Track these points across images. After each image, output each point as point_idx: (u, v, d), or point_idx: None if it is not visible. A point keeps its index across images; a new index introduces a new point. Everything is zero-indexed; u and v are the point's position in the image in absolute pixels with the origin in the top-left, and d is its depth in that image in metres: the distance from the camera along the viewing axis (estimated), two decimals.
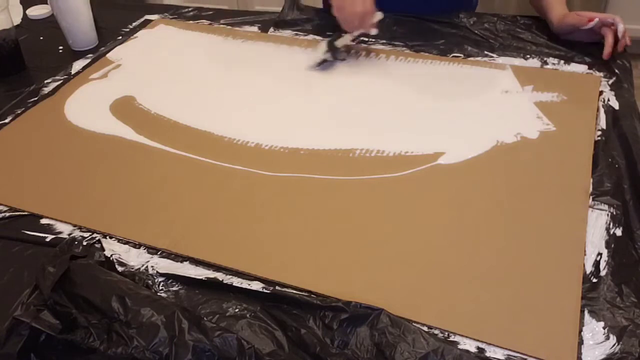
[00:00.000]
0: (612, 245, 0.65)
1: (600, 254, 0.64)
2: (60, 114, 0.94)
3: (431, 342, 0.54)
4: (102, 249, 0.68)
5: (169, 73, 1.04)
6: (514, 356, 0.55)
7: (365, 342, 0.55)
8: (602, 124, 0.84)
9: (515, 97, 0.90)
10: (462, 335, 0.57)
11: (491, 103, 0.89)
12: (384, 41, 1.08)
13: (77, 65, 1.09)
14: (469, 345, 0.56)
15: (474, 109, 0.88)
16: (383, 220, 0.70)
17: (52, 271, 0.57)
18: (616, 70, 0.94)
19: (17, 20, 1.24)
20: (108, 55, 1.11)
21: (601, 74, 0.94)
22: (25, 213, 0.75)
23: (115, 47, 1.14)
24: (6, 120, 0.94)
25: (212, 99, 0.96)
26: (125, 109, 0.95)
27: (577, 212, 0.69)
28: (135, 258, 0.68)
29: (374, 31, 0.98)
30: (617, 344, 0.55)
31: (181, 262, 0.67)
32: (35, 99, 0.99)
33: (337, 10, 0.97)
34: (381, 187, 0.75)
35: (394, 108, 0.90)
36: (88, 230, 0.72)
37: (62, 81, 1.04)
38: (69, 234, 0.71)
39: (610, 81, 0.93)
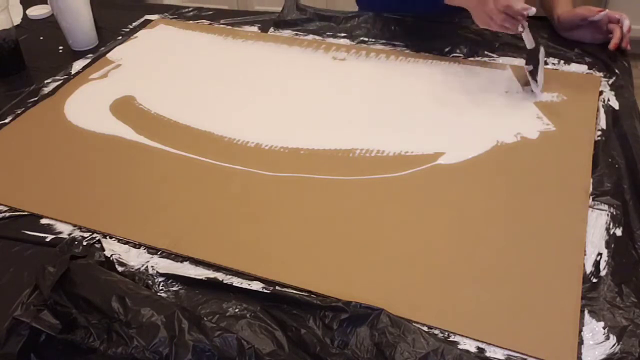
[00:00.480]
0: (612, 245, 0.65)
1: (600, 254, 0.64)
2: (60, 114, 0.94)
3: (431, 342, 0.54)
4: (102, 249, 0.68)
5: (169, 73, 1.04)
6: (514, 356, 0.55)
7: (365, 342, 0.55)
8: (602, 124, 0.84)
9: (515, 97, 0.90)
10: (462, 335, 0.57)
11: (491, 103, 0.89)
12: (384, 41, 1.08)
13: (77, 65, 1.09)
14: (469, 345, 0.56)
15: (474, 109, 0.88)
16: (383, 220, 0.70)
17: (52, 271, 0.57)
18: (616, 70, 0.94)
19: (17, 20, 1.24)
20: (108, 55, 1.11)
21: (601, 74, 0.94)
22: (25, 213, 0.75)
23: (115, 47, 1.14)
24: (6, 120, 0.94)
25: (212, 99, 0.96)
26: (125, 109, 0.95)
27: (577, 212, 0.69)
28: (135, 258, 0.68)
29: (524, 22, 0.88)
30: (617, 344, 0.55)
31: (181, 262, 0.67)
32: (35, 99, 0.99)
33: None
34: (381, 187, 0.75)
35: (393, 108, 0.90)
36: (88, 230, 0.72)
37: (62, 81, 1.04)
38: (69, 234, 0.71)
39: (610, 81, 0.93)
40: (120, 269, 0.65)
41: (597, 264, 0.63)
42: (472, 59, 1.01)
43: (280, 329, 0.57)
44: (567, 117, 0.85)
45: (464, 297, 0.60)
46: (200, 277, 0.64)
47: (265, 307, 0.60)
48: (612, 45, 0.96)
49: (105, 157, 0.84)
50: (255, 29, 1.17)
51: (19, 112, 0.96)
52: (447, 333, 0.57)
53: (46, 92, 1.01)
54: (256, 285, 0.63)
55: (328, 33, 1.12)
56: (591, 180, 0.74)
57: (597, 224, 0.68)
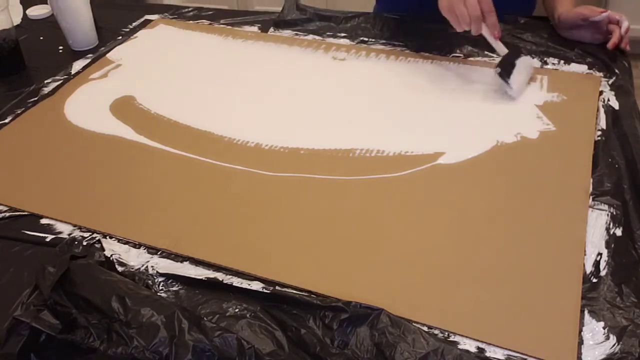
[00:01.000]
0: (612, 245, 0.65)
1: (600, 254, 0.64)
2: (60, 114, 0.94)
3: (431, 342, 0.54)
4: (102, 249, 0.68)
5: (169, 73, 1.04)
6: (514, 356, 0.55)
7: (365, 342, 0.55)
8: (602, 124, 0.84)
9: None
10: (462, 335, 0.57)
11: (491, 103, 0.89)
12: (384, 41, 1.08)
13: (77, 65, 1.09)
14: (469, 345, 0.56)
15: (474, 109, 0.88)
16: (383, 220, 0.70)
17: (52, 271, 0.56)
18: (616, 70, 0.94)
19: (17, 20, 1.24)
20: (108, 55, 1.11)
21: (601, 74, 0.94)
22: (25, 213, 0.75)
23: (115, 47, 1.14)
24: (6, 120, 0.94)
25: (212, 99, 0.96)
26: (125, 109, 0.95)
27: (577, 212, 0.69)
28: (135, 258, 0.68)
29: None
30: (617, 344, 0.55)
31: (181, 262, 0.67)
32: (35, 99, 0.99)
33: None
34: (381, 187, 0.75)
35: (393, 108, 0.90)
36: (88, 230, 0.72)
37: (62, 81, 1.04)
38: (69, 234, 0.71)
39: (610, 81, 0.93)
40: (120, 269, 0.65)
41: (597, 264, 0.63)
42: (472, 59, 1.01)
43: (280, 329, 0.57)
44: (567, 117, 0.85)
45: (464, 297, 0.60)
46: (200, 277, 0.64)
47: (265, 307, 0.60)
48: (610, 44, 0.96)
49: (105, 157, 0.84)
50: (255, 29, 1.17)
51: (19, 112, 0.96)
52: (447, 333, 0.57)
53: (46, 92, 1.01)
54: (256, 285, 0.63)
55: (328, 33, 1.12)
56: (591, 180, 0.74)
57: (597, 224, 0.68)
